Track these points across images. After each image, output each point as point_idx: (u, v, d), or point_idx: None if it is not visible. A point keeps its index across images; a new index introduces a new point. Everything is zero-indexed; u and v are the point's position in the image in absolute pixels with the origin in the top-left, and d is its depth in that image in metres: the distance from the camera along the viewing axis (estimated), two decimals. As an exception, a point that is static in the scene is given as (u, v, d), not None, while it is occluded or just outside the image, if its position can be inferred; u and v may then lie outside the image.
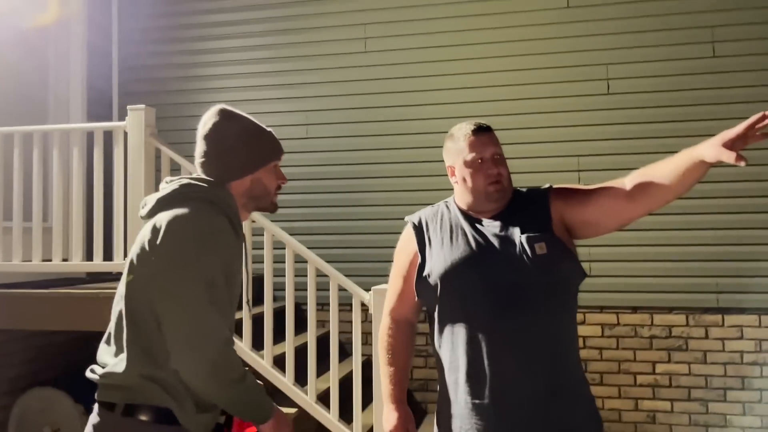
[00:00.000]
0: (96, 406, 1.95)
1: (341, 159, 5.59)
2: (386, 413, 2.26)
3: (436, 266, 2.18)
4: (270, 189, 2.15)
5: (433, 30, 5.52)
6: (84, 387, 4.65)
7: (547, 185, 2.29)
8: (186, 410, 1.89)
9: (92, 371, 1.97)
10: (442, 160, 2.21)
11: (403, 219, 2.44)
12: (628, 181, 2.08)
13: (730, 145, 1.76)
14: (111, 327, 1.99)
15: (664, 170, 1.99)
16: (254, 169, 2.09)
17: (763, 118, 1.74)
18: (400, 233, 2.39)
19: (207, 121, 2.11)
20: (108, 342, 1.99)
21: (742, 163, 1.70)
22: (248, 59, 5.90)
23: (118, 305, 1.96)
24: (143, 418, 1.87)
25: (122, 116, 5.77)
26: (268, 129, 2.16)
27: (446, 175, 2.32)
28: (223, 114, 2.11)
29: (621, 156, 5.07)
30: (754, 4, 4.95)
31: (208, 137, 2.08)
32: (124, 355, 1.89)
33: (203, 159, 2.09)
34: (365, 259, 5.33)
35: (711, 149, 1.79)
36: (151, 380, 1.87)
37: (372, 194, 5.48)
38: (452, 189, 2.35)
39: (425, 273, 2.21)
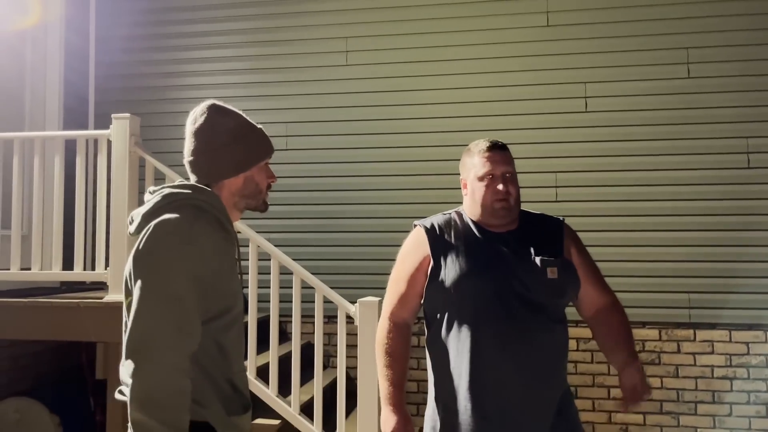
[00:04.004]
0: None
1: (322, 171, 5.60)
2: (385, 415, 2.26)
3: (450, 272, 2.23)
4: (262, 187, 2.05)
5: (413, 45, 5.58)
6: (60, 397, 4.64)
7: (560, 217, 2.45)
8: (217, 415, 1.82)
9: (120, 392, 1.85)
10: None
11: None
12: (603, 310, 2.52)
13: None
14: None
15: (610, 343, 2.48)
16: (247, 167, 1.99)
17: None
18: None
19: (197, 117, 2.01)
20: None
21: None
22: (228, 69, 5.89)
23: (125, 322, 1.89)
24: None
25: (99, 122, 5.76)
26: (259, 126, 2.07)
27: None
28: (215, 109, 2.01)
29: (598, 173, 5.19)
30: (728, 27, 5.12)
31: (198, 134, 1.98)
32: None
33: (192, 157, 1.98)
34: (349, 271, 5.31)
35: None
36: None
37: (355, 206, 5.48)
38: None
39: (440, 278, 2.25)
